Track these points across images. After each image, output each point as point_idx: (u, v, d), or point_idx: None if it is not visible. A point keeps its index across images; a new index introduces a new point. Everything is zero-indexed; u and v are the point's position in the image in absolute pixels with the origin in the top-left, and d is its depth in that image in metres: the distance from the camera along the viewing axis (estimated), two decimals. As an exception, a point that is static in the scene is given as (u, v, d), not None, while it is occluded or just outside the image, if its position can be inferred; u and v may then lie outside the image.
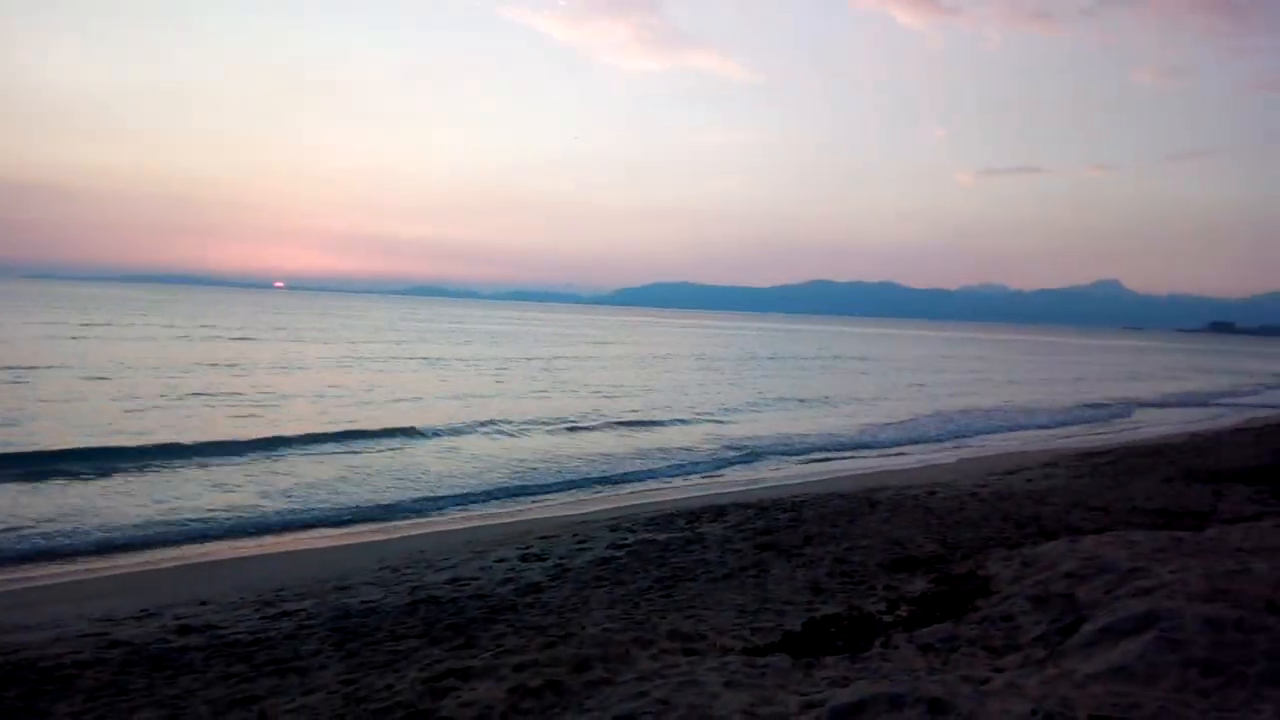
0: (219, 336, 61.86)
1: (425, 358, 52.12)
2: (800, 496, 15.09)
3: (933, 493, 15.23)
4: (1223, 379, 67.67)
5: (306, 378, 37.46)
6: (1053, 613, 7.49)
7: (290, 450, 20.18)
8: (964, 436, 28.57)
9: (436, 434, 23.50)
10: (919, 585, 9.43)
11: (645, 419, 28.61)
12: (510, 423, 26.11)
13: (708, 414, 31.00)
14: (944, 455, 23.64)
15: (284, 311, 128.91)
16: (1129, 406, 41.41)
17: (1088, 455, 20.97)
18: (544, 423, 26.62)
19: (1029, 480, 17.02)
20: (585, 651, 6.68)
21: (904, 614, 8.28)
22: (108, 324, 68.41)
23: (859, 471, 20.57)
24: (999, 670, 6.28)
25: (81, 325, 63.78)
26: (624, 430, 26.29)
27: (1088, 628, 6.73)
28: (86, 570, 11.56)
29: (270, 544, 13.28)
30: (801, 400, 37.56)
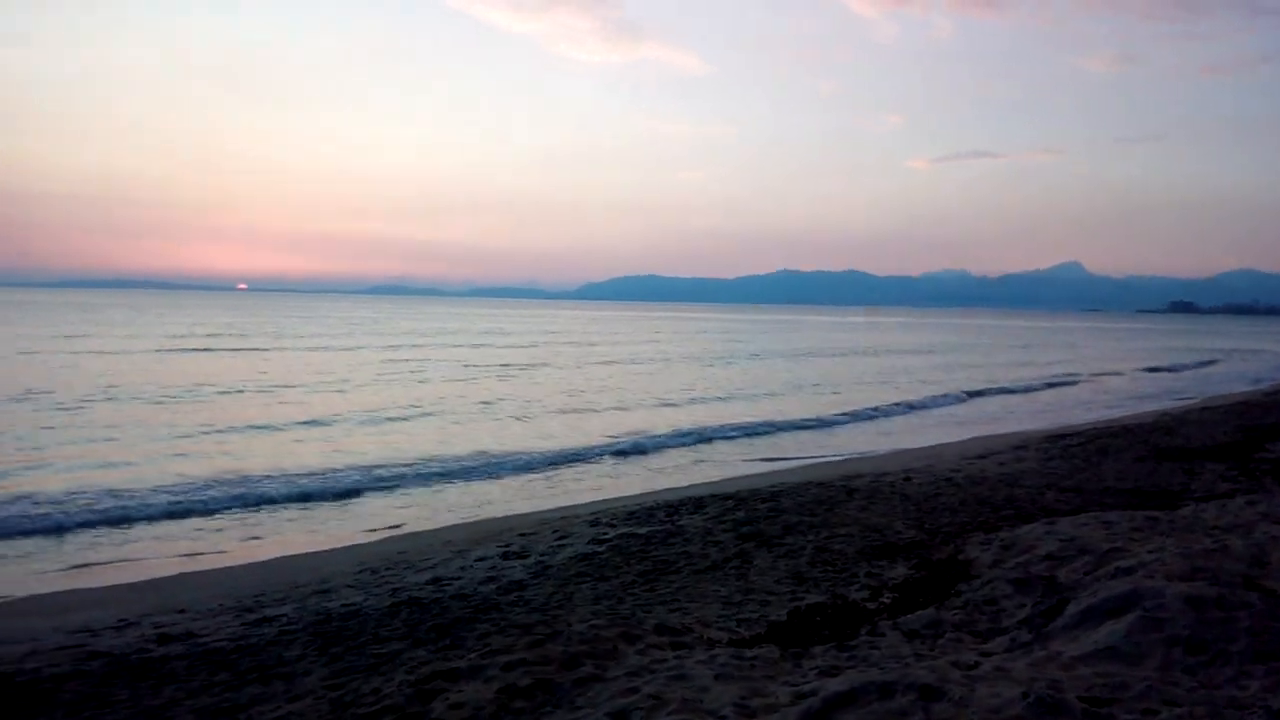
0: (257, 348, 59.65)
1: (510, 364, 50.66)
2: (778, 486, 15.13)
3: (908, 479, 15.32)
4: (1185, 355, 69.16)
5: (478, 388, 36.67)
6: (1035, 595, 7.56)
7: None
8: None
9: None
10: (900, 571, 9.50)
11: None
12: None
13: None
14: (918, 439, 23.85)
15: (270, 313, 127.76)
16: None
17: (1057, 437, 21.18)
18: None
19: (1000, 464, 17.16)
20: (573, 649, 6.65)
21: (888, 601, 8.33)
22: (129, 333, 67.40)
23: (833, 459, 20.67)
24: (986, 654, 6.33)
25: (65, 336, 62.07)
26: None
27: (1071, 609, 6.80)
28: (66, 582, 11.40)
29: (248, 549, 13.15)
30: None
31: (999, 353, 72.52)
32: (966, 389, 38.88)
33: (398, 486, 17.42)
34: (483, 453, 20.71)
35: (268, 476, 17.39)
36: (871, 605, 8.19)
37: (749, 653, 6.53)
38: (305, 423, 25.11)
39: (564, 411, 29.20)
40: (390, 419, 26.22)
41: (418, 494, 17.00)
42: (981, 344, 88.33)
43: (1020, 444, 20.39)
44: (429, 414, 27.68)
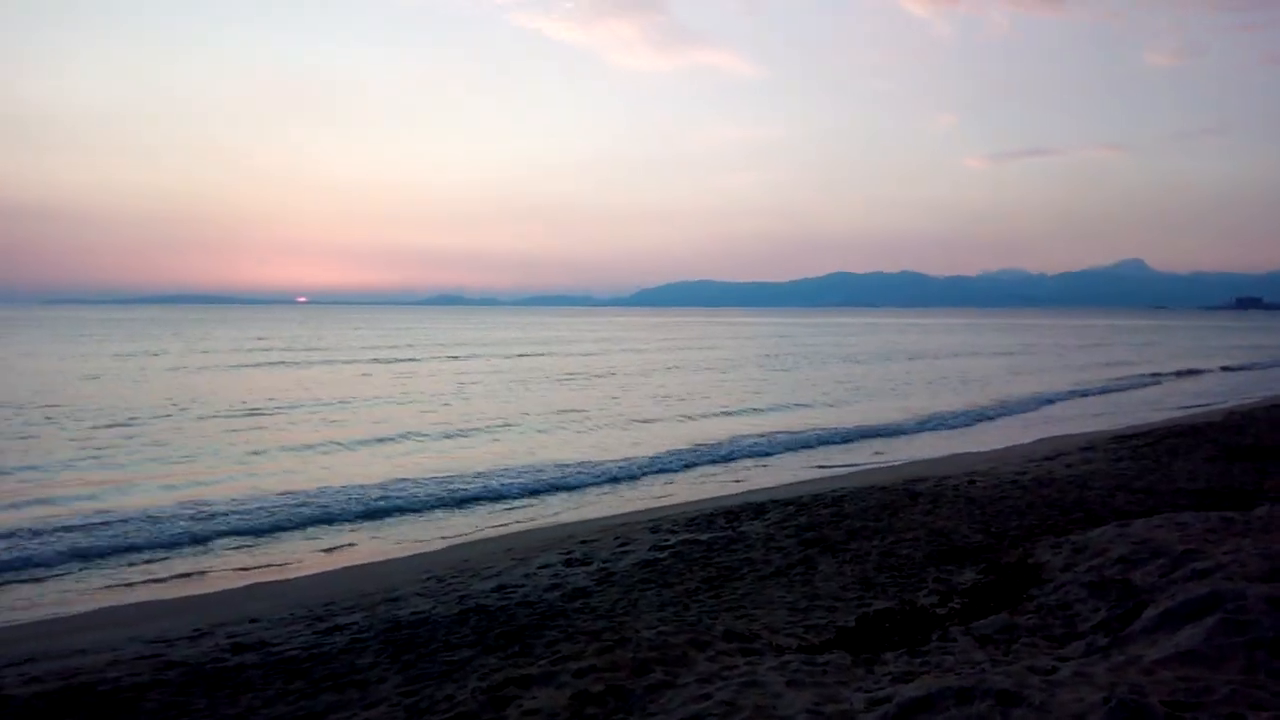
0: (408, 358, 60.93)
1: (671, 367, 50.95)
2: (839, 491, 15.02)
3: (972, 481, 15.12)
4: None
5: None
6: (1110, 599, 7.41)
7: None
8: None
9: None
10: (969, 576, 9.37)
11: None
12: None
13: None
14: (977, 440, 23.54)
15: (359, 327, 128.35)
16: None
17: (1125, 438, 20.76)
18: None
19: (1068, 465, 16.87)
20: (643, 655, 6.66)
21: (958, 606, 8.22)
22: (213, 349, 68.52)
23: (895, 463, 20.47)
24: (1063, 659, 6.22)
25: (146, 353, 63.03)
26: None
27: (1149, 613, 6.66)
28: (143, 594, 11.68)
29: (319, 560, 13.37)
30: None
31: (1074, 354, 70.45)
32: (1055, 390, 38.08)
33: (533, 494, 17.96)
34: (586, 462, 20.97)
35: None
36: (941, 610, 8.09)
37: (820, 659, 6.49)
38: (451, 434, 25.55)
39: (639, 421, 29.14)
40: (480, 429, 26.66)
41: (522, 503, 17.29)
42: (1052, 344, 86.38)
43: (1088, 445, 20.01)
44: (510, 425, 27.84)
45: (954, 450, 22.49)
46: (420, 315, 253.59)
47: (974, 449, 22.45)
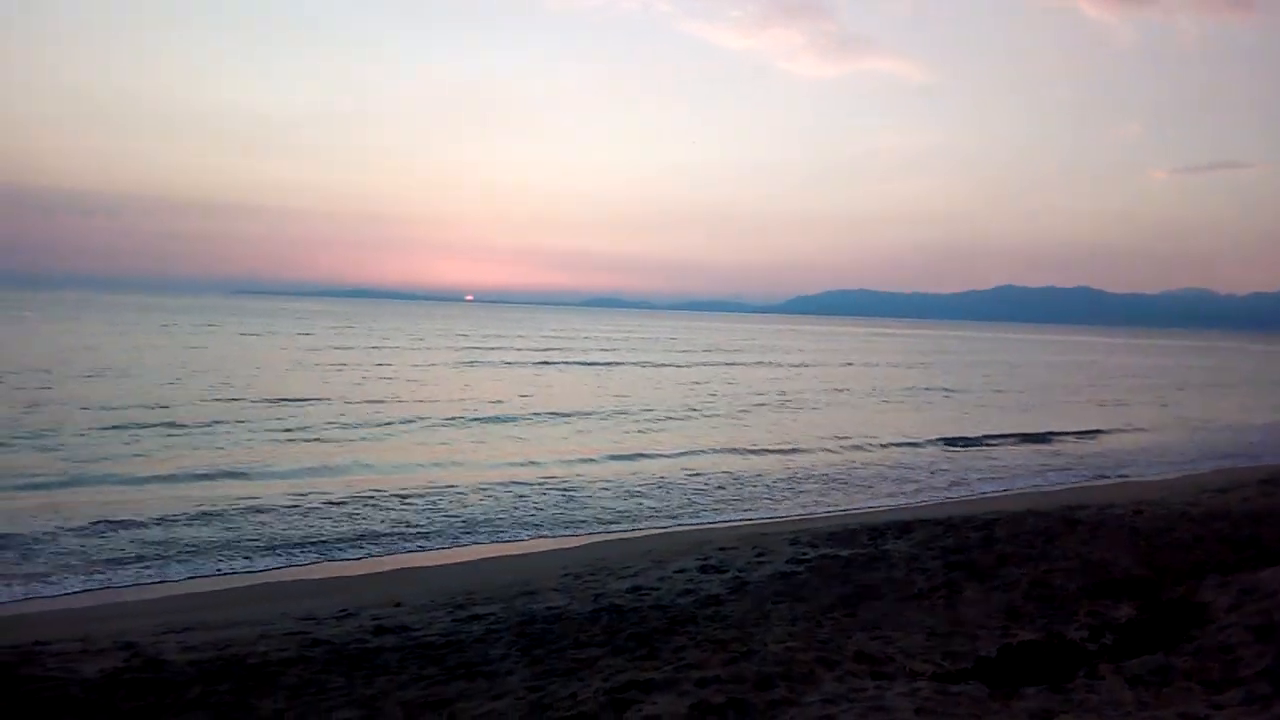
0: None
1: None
2: (993, 514, 14.42)
3: (1139, 512, 14.27)
4: None
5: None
6: (1277, 645, 6.85)
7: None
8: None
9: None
10: (1125, 612, 8.82)
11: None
12: None
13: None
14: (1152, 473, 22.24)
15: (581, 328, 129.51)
16: None
17: (1314, 474, 19.21)
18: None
19: (1245, 499, 15.72)
20: (768, 669, 6.54)
21: (1109, 642, 7.76)
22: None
23: (1056, 488, 19.57)
24: (1218, 707, 5.79)
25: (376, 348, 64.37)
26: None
27: (1323, 666, 6.12)
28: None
29: (470, 551, 13.73)
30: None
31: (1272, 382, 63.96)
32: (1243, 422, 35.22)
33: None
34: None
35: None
36: (1091, 646, 7.65)
37: (954, 688, 6.23)
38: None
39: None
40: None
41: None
42: (1249, 369, 79.81)
43: (1269, 478, 18.62)
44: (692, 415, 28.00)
45: (1122, 477, 21.34)
46: (590, 316, 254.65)
47: (1144, 477, 21.24)
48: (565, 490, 17.89)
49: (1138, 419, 35.17)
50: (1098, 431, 30.97)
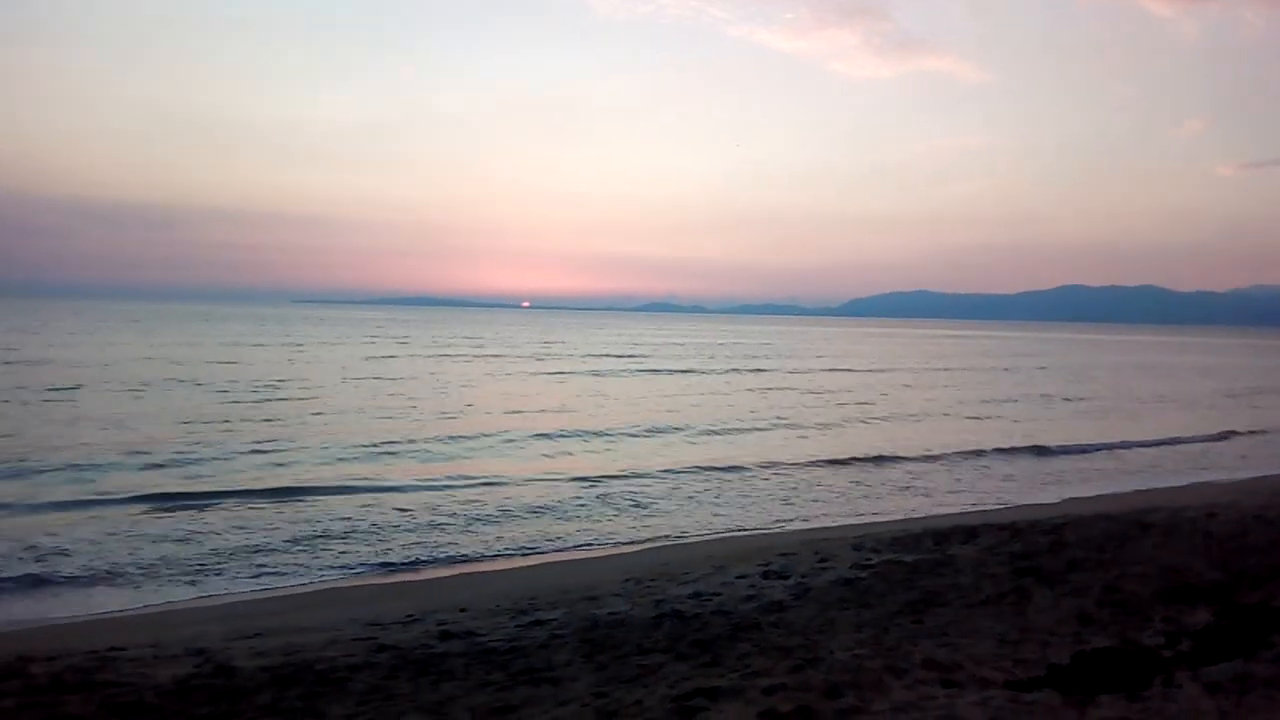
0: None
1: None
2: (1060, 518, 14.15)
3: (1212, 515, 13.90)
4: None
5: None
6: (1367, 655, 6.62)
7: None
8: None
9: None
10: (1201, 617, 8.58)
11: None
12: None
13: None
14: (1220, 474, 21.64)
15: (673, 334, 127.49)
16: None
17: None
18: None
19: (1324, 503, 15.25)
20: (835, 677, 6.47)
21: (1186, 649, 7.55)
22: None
23: (1124, 491, 19.13)
24: (1306, 719, 5.60)
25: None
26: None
27: None
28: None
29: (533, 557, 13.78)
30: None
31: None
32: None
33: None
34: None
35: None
36: (1167, 653, 7.44)
37: (1026, 697, 6.11)
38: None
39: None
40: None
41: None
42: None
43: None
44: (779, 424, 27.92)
45: (1195, 478, 20.80)
46: (649, 321, 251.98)
47: (1216, 478, 20.68)
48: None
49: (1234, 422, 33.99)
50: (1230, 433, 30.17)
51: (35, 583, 11.64)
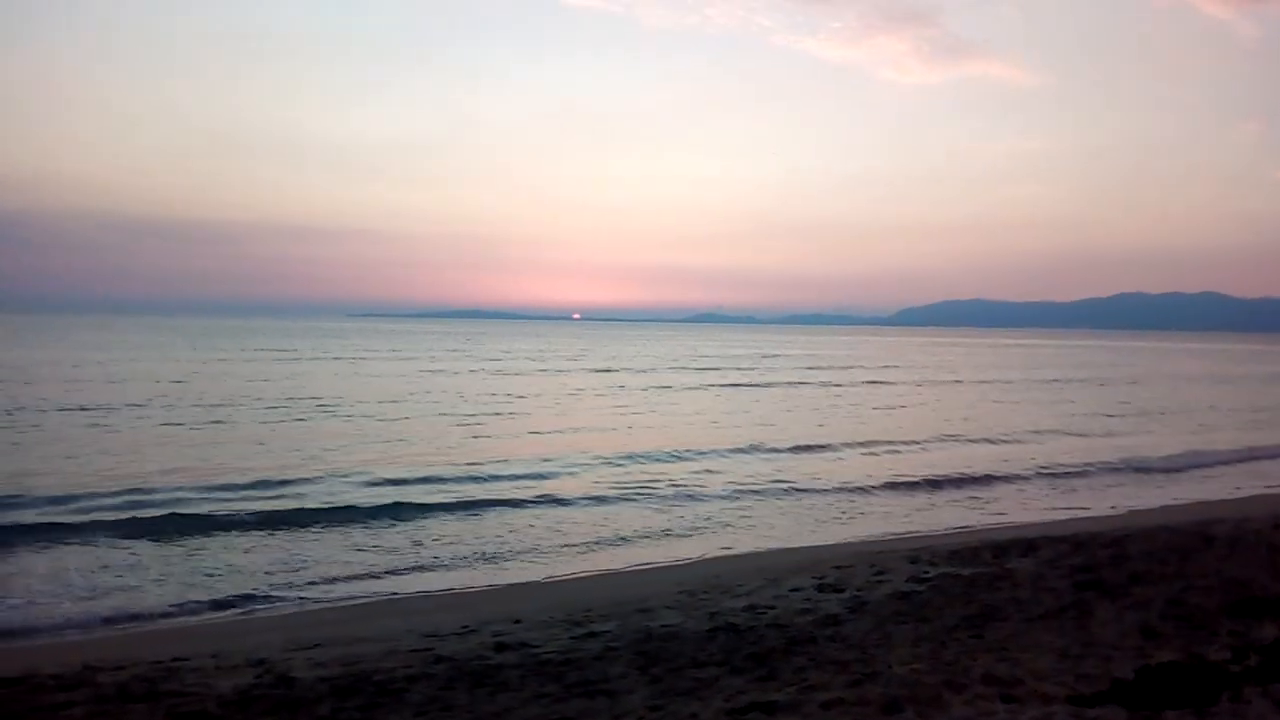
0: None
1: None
2: (1122, 531, 13.89)
3: (1278, 527, 13.57)
4: None
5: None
6: None
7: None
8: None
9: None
10: (1269, 632, 8.38)
11: None
12: None
13: None
14: None
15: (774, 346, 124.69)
16: None
17: None
18: None
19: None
20: (893, 692, 6.41)
21: (1254, 664, 7.38)
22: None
23: (1186, 501, 18.74)
24: (1383, 738, 5.44)
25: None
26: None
27: None
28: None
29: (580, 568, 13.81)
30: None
31: None
32: None
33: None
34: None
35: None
36: (1235, 668, 7.28)
37: (1090, 712, 6.01)
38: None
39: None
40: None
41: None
42: None
43: None
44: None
45: (1260, 489, 20.30)
46: (702, 332, 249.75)
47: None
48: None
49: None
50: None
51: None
